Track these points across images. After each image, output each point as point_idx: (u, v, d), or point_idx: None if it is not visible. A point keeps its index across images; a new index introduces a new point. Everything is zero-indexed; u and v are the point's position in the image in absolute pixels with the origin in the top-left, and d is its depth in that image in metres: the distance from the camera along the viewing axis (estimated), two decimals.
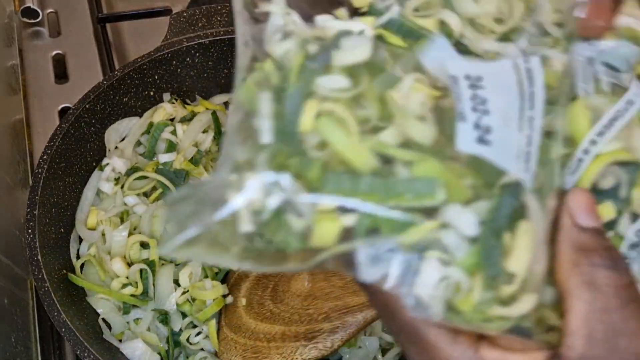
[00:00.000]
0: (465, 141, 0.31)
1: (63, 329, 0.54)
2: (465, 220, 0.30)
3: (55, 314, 0.55)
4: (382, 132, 0.32)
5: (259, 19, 0.37)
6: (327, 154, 0.30)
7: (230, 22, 0.72)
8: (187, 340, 0.60)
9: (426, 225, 0.30)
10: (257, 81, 0.33)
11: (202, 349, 0.60)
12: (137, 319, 0.60)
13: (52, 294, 0.56)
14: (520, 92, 0.33)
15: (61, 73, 0.85)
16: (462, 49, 0.37)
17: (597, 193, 0.36)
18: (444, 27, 0.37)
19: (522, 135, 0.32)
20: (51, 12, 0.90)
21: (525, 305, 0.31)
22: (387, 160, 0.31)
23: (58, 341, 0.66)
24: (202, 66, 0.73)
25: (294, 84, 0.32)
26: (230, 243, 0.30)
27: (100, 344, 0.58)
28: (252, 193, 0.29)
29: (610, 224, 0.36)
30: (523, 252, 0.31)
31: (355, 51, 0.33)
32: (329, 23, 0.36)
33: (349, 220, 0.30)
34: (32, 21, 0.88)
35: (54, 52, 0.86)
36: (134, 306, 0.61)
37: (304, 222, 0.30)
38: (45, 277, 0.56)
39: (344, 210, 0.30)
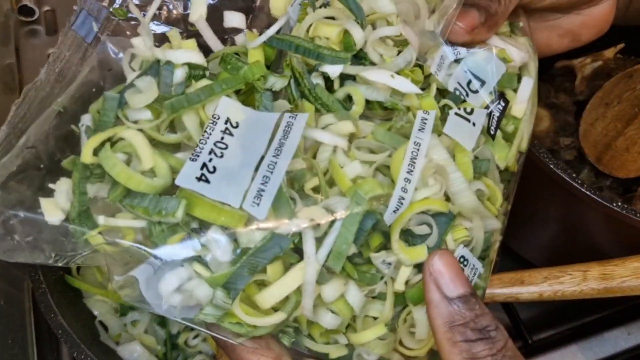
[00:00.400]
0: (185, 178, 0.37)
1: (60, 331, 0.54)
2: (221, 245, 0.37)
3: (52, 315, 0.54)
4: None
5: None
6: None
7: None
8: (185, 342, 0.60)
9: (175, 238, 0.37)
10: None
11: (200, 352, 0.60)
12: (135, 321, 0.60)
13: (49, 296, 0.55)
14: (270, 142, 0.39)
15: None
16: (361, 54, 0.44)
17: (412, 236, 0.41)
18: (347, 37, 0.42)
19: (258, 176, 0.37)
20: (48, 10, 0.90)
21: (273, 319, 0.38)
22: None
23: (55, 343, 0.65)
24: None
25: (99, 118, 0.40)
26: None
27: (97, 346, 0.58)
28: (60, 197, 0.39)
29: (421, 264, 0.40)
30: (279, 287, 0.38)
31: (145, 95, 0.40)
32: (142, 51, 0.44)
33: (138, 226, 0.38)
34: (29, 19, 0.87)
35: (51, 51, 0.85)
36: (132, 308, 0.60)
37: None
38: (42, 278, 0.56)
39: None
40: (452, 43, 0.46)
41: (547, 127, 0.68)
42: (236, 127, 0.39)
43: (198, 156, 0.37)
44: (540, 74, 0.67)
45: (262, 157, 0.38)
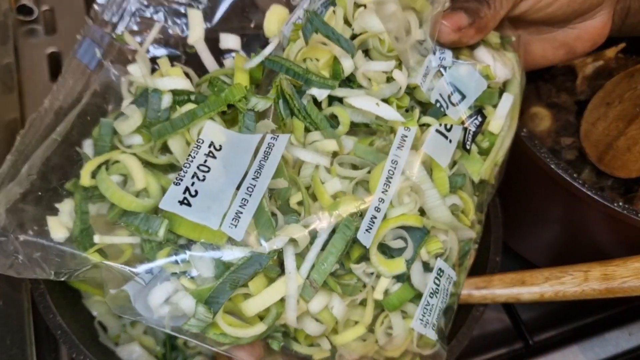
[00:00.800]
0: (169, 201, 0.39)
1: (59, 332, 0.53)
2: (204, 262, 0.39)
3: (51, 316, 0.54)
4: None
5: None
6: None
7: None
8: (185, 343, 0.59)
9: (162, 253, 0.39)
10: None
11: (199, 353, 0.60)
12: (134, 322, 0.60)
13: (48, 296, 0.55)
14: (251, 163, 0.41)
15: (56, 71, 0.84)
16: (350, 77, 0.45)
17: (388, 249, 0.43)
18: (336, 65, 0.44)
19: (237, 199, 0.39)
20: (47, 9, 0.89)
21: (254, 330, 0.40)
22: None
23: (54, 344, 0.65)
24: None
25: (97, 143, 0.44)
26: None
27: (96, 347, 0.57)
28: (64, 216, 0.42)
29: (402, 276, 0.43)
30: (262, 299, 0.40)
31: (130, 122, 0.43)
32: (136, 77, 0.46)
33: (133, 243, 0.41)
34: (28, 19, 0.87)
35: (50, 50, 0.85)
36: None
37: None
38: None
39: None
40: (440, 44, 0.47)
41: (548, 127, 0.68)
42: (219, 149, 0.41)
43: (181, 180, 0.40)
44: (541, 73, 0.67)
45: (244, 178, 0.40)
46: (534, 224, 0.66)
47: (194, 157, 0.40)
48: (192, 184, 0.39)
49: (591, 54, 0.69)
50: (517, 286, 0.53)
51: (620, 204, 0.51)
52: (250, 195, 0.39)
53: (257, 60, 0.46)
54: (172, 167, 0.43)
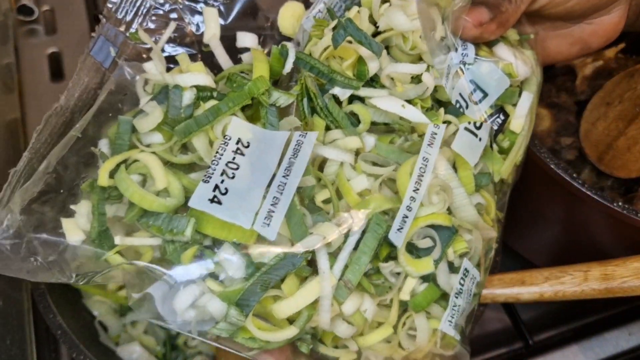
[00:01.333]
0: (199, 199, 0.38)
1: (59, 332, 0.53)
2: (233, 263, 0.38)
3: (51, 316, 0.54)
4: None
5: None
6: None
7: None
8: (185, 343, 0.59)
9: (188, 253, 0.38)
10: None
11: (199, 352, 0.60)
12: (134, 321, 0.60)
13: (48, 296, 0.55)
14: (280, 161, 0.40)
15: (57, 71, 0.84)
16: (374, 77, 0.44)
17: (415, 248, 0.42)
18: (361, 65, 0.43)
19: (268, 197, 0.38)
20: (47, 9, 0.89)
21: (285, 334, 0.39)
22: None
23: (54, 344, 0.65)
24: None
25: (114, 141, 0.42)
26: None
27: (97, 347, 0.57)
28: (81, 218, 0.41)
29: (427, 276, 0.42)
30: (295, 301, 0.38)
31: (150, 119, 0.41)
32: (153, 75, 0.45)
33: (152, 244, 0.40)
34: (28, 19, 0.87)
35: (50, 50, 0.85)
36: (131, 308, 0.60)
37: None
38: None
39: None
40: (463, 40, 0.46)
41: (548, 126, 0.68)
42: (247, 146, 0.40)
43: (210, 177, 0.38)
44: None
45: (273, 176, 0.39)
46: (533, 224, 0.66)
47: (222, 154, 0.39)
48: (222, 181, 0.38)
49: (591, 54, 0.69)
50: (517, 286, 0.53)
51: (620, 204, 0.51)
52: (281, 193, 0.38)
53: (292, 56, 0.45)
54: (192, 167, 0.42)
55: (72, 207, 0.41)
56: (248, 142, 0.40)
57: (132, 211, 0.39)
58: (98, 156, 0.43)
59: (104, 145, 0.44)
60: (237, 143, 0.40)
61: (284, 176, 0.39)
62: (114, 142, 0.43)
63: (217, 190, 0.38)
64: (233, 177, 0.39)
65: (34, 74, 0.83)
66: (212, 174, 0.38)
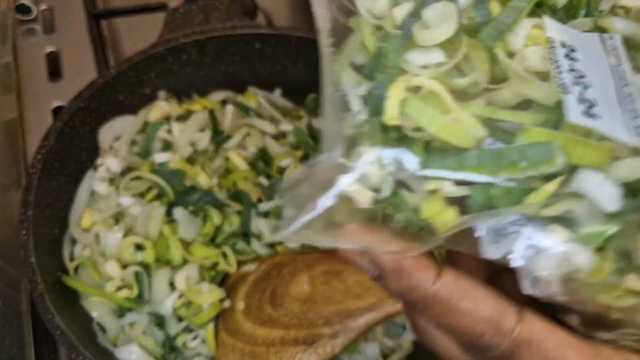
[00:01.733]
0: (575, 114, 0.29)
1: (57, 332, 0.53)
2: (603, 191, 0.28)
3: (49, 317, 0.54)
4: (491, 96, 0.30)
5: None
6: (426, 134, 0.29)
7: (227, 18, 0.71)
8: (184, 344, 0.59)
9: (546, 189, 0.28)
10: (347, 53, 0.33)
11: (199, 354, 0.59)
12: (133, 322, 0.59)
13: (46, 297, 0.55)
14: (610, 67, 0.32)
15: (55, 71, 0.83)
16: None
17: None
18: None
19: (625, 111, 0.30)
20: (45, 8, 0.89)
21: None
22: (494, 128, 0.29)
23: (53, 344, 0.65)
24: (199, 63, 0.71)
25: (378, 61, 0.31)
26: (348, 222, 0.30)
27: (95, 348, 0.57)
28: (363, 171, 0.29)
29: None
30: None
31: (441, 29, 0.31)
32: None
33: (461, 195, 0.29)
34: (26, 18, 0.86)
35: (48, 50, 0.85)
36: (129, 309, 0.60)
37: (418, 199, 0.29)
38: (39, 279, 0.55)
39: (456, 185, 0.29)
40: None
41: None
42: (575, 50, 0.32)
43: (567, 88, 0.30)
44: None
45: (617, 83, 0.32)
46: None
47: (557, 60, 0.31)
48: (581, 91, 0.30)
49: None
50: None
51: None
52: (634, 104, 0.31)
53: None
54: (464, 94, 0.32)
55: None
56: (573, 46, 0.32)
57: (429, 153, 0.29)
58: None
59: (348, 77, 0.33)
60: (562, 46, 0.32)
61: (623, 86, 0.31)
62: (373, 66, 0.32)
63: (583, 103, 0.30)
64: (589, 87, 0.31)
65: (32, 73, 0.83)
66: (565, 83, 0.30)
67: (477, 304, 0.30)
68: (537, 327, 0.30)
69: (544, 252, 0.29)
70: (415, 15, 0.32)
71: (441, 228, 0.29)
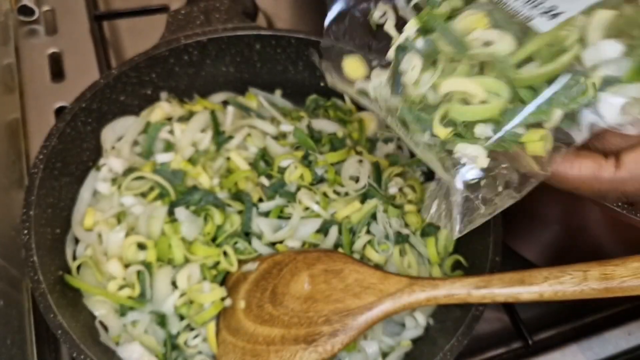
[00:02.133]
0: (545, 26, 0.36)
1: (59, 332, 0.53)
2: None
3: (51, 316, 0.54)
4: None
5: None
6: None
7: (228, 20, 0.71)
8: (185, 343, 0.59)
9: None
10: None
11: (200, 352, 0.60)
12: (135, 321, 0.60)
13: (48, 296, 0.55)
14: None
15: (57, 72, 0.84)
16: None
17: None
18: None
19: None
20: (48, 10, 0.90)
21: None
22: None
23: (54, 343, 0.65)
24: (200, 64, 0.72)
25: None
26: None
27: (97, 347, 0.57)
28: None
29: None
30: None
31: None
32: None
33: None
34: (29, 19, 0.87)
35: (50, 51, 0.85)
36: (131, 308, 0.60)
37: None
38: (41, 278, 0.56)
39: None
40: None
41: None
42: None
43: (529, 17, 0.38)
44: None
45: None
46: (533, 224, 0.66)
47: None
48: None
49: None
50: (517, 286, 0.53)
51: (620, 204, 0.51)
52: None
53: None
54: None
55: None
56: None
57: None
58: None
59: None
60: None
61: None
62: None
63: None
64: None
65: (34, 74, 0.83)
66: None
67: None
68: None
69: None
70: None
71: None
